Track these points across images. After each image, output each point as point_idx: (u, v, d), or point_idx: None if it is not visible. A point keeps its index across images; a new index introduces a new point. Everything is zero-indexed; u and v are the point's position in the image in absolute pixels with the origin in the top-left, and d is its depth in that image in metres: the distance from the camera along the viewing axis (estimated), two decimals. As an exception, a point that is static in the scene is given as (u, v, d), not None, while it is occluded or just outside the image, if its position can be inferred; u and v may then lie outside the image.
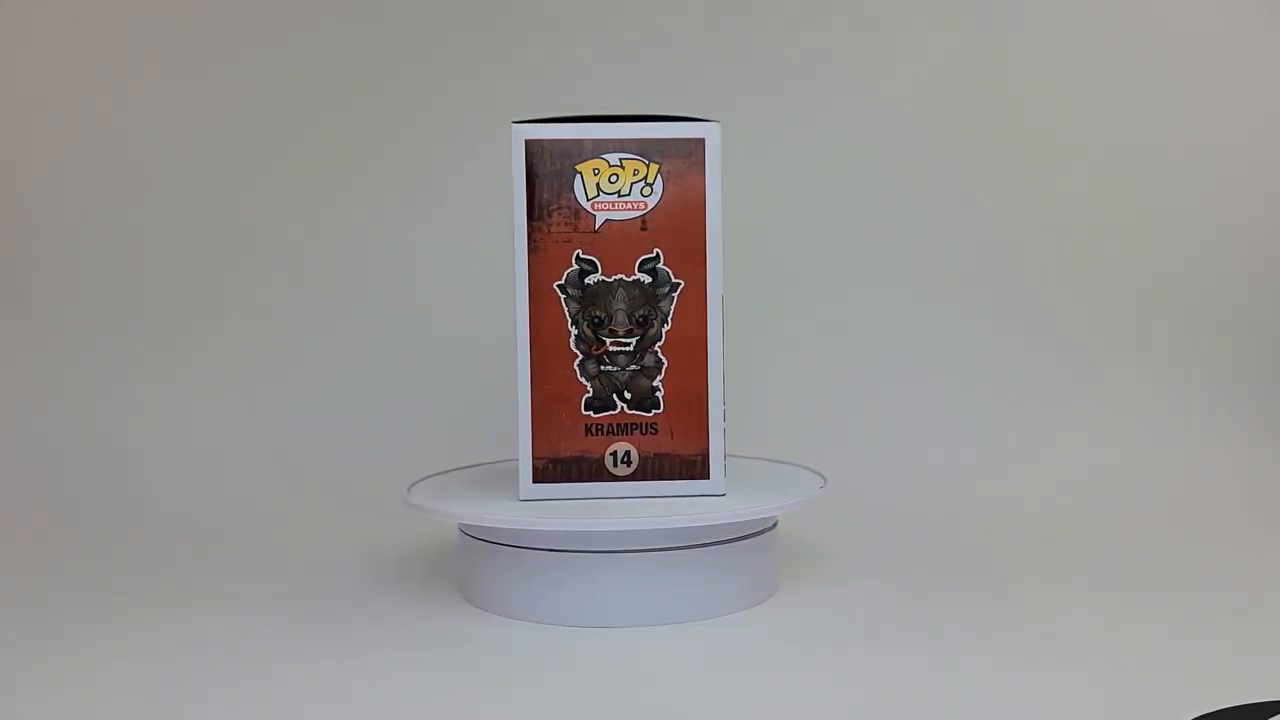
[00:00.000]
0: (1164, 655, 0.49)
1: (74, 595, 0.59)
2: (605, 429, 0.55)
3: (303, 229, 0.91)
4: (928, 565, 0.63)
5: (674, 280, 0.55)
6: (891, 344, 0.87)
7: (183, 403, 0.86)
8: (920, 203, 0.89)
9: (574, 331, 0.55)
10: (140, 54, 0.90)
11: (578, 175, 0.55)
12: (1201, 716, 0.41)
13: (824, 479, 0.60)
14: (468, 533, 0.59)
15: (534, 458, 0.55)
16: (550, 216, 0.55)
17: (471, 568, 0.58)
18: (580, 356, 0.55)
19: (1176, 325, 0.87)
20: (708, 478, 0.56)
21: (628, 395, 0.55)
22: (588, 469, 0.55)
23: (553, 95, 0.89)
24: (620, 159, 0.55)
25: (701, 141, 0.55)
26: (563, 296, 0.55)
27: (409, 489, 0.62)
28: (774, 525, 0.57)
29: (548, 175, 0.54)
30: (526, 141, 0.54)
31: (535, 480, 0.55)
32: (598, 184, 0.55)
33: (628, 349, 0.55)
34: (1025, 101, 0.89)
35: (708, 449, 0.56)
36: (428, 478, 0.65)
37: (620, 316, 0.55)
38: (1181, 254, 0.88)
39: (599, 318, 0.55)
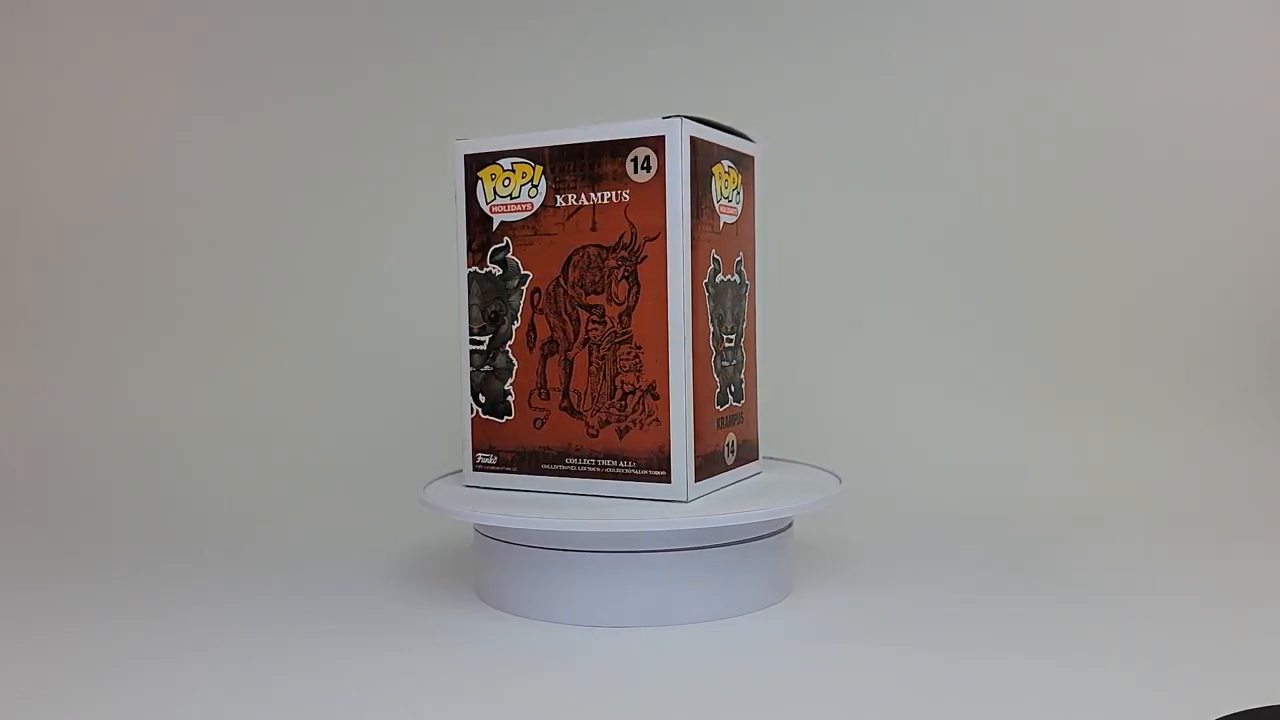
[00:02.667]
0: (1185, 655, 0.48)
1: (83, 595, 0.60)
2: (724, 421, 0.58)
3: (307, 233, 0.92)
4: (943, 566, 0.63)
5: (746, 281, 0.60)
6: (907, 347, 0.87)
7: (194, 403, 0.87)
8: (937, 211, 0.89)
9: (711, 329, 0.56)
10: (141, 59, 0.91)
11: (713, 177, 0.56)
12: (1224, 718, 0.40)
13: (840, 479, 0.61)
14: (483, 533, 0.57)
15: (696, 456, 0.54)
16: (701, 216, 0.55)
17: (486, 567, 0.57)
18: (714, 353, 0.56)
19: (1191, 330, 0.88)
20: (757, 459, 0.62)
21: (732, 388, 0.58)
22: (716, 462, 0.57)
23: (545, 97, 0.89)
24: (729, 166, 0.58)
25: (753, 158, 0.61)
26: (706, 295, 0.55)
27: (424, 488, 0.60)
28: (789, 525, 0.59)
29: (701, 175, 0.55)
30: (692, 139, 0.53)
31: (696, 479, 0.55)
32: (720, 188, 0.57)
33: (732, 344, 0.58)
34: (1037, 108, 0.89)
35: (758, 432, 0.62)
36: (441, 477, 0.64)
37: (729, 314, 0.58)
38: (1191, 261, 0.89)
39: (720, 315, 0.57)
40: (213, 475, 0.84)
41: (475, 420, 0.59)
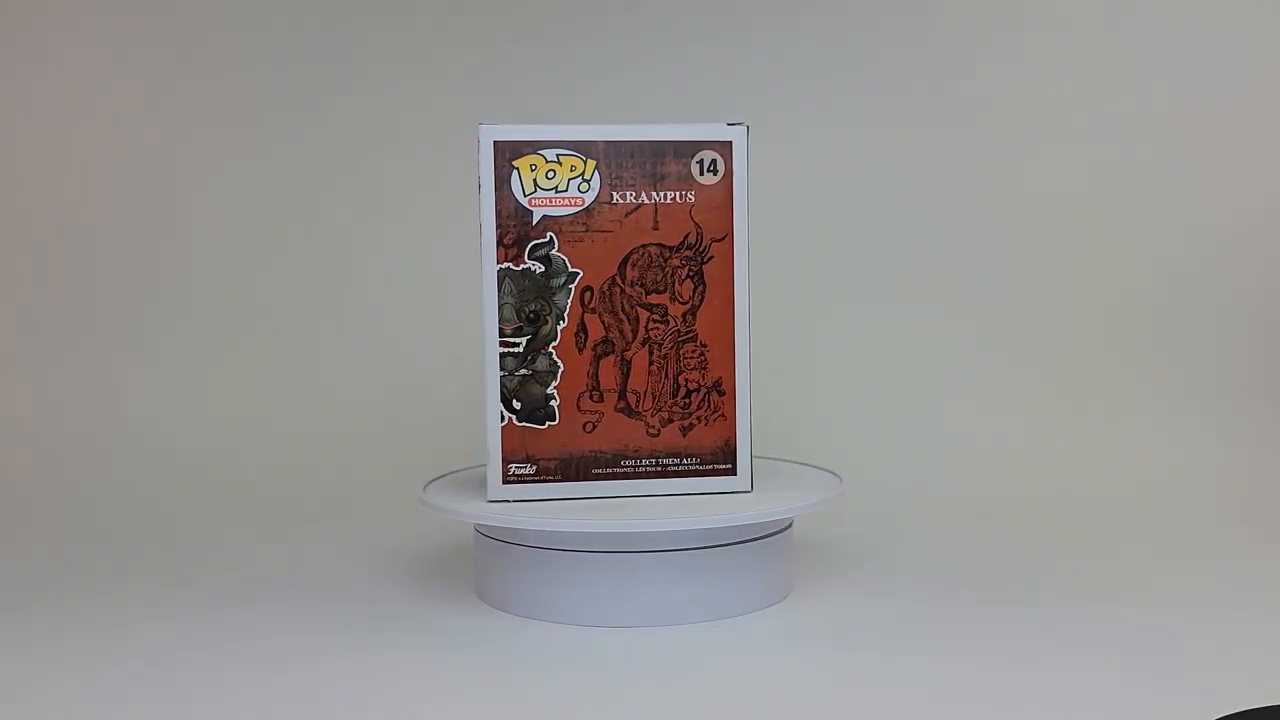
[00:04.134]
0: (1185, 655, 0.47)
1: (82, 596, 0.59)
2: (738, 416, 0.60)
3: (309, 232, 0.92)
4: (943, 566, 0.63)
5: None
6: (907, 347, 0.85)
7: (194, 402, 0.87)
8: (937, 205, 0.85)
9: (742, 327, 0.59)
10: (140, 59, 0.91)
11: (740, 184, 0.58)
12: (1224, 717, 0.40)
13: (840, 479, 0.61)
14: (484, 533, 0.57)
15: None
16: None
17: (487, 567, 0.57)
18: (742, 350, 0.59)
19: (1192, 330, 0.86)
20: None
21: (734, 384, 0.61)
22: (741, 454, 0.59)
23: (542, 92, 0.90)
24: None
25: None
26: (743, 295, 0.58)
27: (424, 488, 0.60)
28: (789, 526, 0.58)
29: (745, 180, 0.57)
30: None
31: (751, 470, 0.57)
32: (737, 194, 0.59)
33: (734, 343, 0.61)
34: (1039, 103, 0.85)
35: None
36: (441, 477, 0.63)
37: (735, 314, 0.61)
38: (1191, 260, 0.86)
39: (737, 315, 0.60)
40: (212, 475, 0.84)
41: (508, 428, 0.55)
